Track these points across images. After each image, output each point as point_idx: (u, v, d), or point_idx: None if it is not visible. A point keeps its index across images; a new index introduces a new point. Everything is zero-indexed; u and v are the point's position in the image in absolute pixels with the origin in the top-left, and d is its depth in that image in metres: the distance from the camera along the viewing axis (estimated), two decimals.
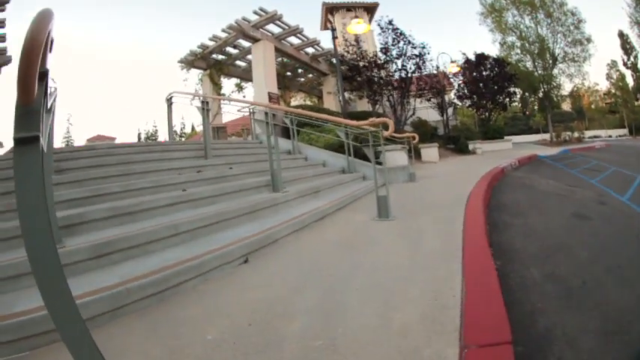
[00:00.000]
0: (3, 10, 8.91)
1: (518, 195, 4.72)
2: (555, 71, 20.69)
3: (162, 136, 36.79)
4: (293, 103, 18.12)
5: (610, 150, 13.28)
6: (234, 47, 12.96)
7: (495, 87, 17.45)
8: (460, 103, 19.33)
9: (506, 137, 17.32)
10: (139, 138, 37.00)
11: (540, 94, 21.72)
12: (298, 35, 12.57)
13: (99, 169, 4.06)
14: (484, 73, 17.73)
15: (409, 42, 15.24)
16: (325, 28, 23.96)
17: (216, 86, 13.65)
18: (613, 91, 35.61)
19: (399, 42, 15.15)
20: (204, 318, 1.69)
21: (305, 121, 7.17)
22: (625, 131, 33.07)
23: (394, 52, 15.06)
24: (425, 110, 16.92)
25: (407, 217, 3.46)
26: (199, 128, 21.00)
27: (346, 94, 14.45)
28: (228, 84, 16.00)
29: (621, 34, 32.71)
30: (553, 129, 21.08)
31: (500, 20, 21.09)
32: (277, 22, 11.38)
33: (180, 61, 13.42)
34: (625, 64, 33.33)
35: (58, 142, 25.35)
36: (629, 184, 5.40)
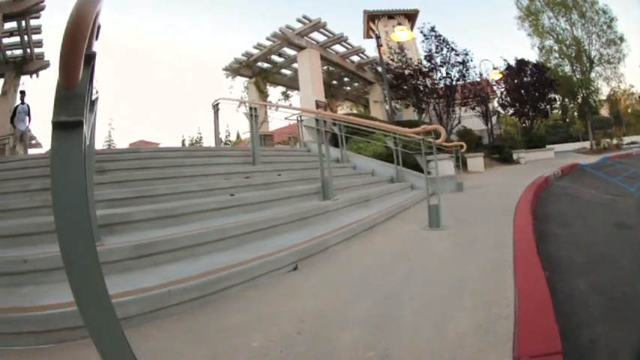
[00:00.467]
0: (38, 18, 9.58)
1: (563, 205, 4.87)
2: (592, 74, 20.20)
3: (207, 142, 38.15)
4: (339, 111, 17.99)
5: None
6: (279, 55, 13.13)
7: (536, 94, 16.72)
8: (503, 112, 18.76)
9: (547, 146, 17.09)
10: (183, 144, 38.37)
11: (579, 100, 21.26)
12: (343, 43, 12.56)
13: (143, 171, 4.10)
14: (525, 79, 16.98)
15: (452, 49, 14.82)
16: (368, 36, 23.93)
17: (262, 94, 13.77)
18: None
19: (442, 49, 14.79)
20: (250, 324, 1.63)
21: (353, 129, 7.09)
22: None
23: (438, 60, 14.65)
24: (469, 119, 16.55)
25: (457, 227, 3.45)
26: (244, 136, 21.59)
27: (392, 103, 14.19)
28: (274, 92, 16.32)
29: None
30: (593, 136, 20.63)
31: (537, 24, 20.74)
32: (321, 30, 11.43)
33: (225, 69, 13.66)
34: None
35: (100, 145, 25.75)
36: None
